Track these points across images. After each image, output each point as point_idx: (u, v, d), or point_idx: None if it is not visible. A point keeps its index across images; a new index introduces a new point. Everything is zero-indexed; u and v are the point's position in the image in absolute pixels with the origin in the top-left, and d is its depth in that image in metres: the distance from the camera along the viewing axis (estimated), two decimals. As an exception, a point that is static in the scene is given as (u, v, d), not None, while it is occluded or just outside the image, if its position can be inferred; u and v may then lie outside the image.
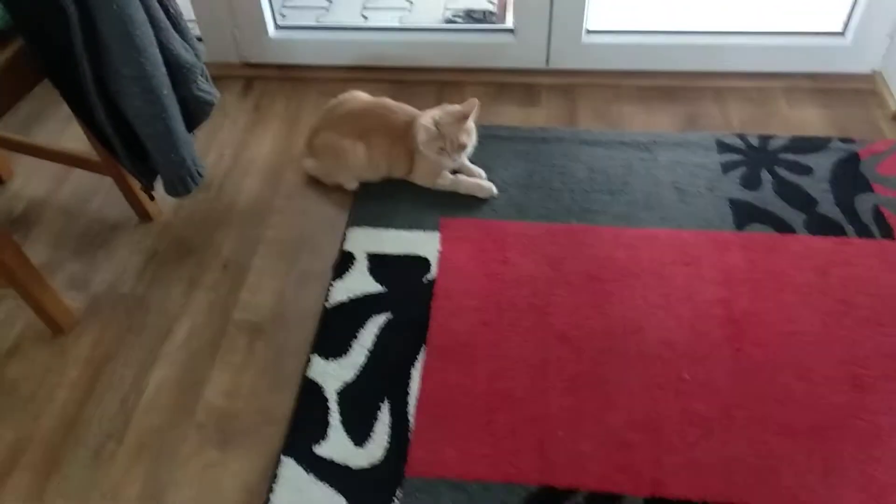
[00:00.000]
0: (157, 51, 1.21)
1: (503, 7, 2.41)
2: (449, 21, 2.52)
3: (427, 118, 1.55)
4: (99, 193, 1.71)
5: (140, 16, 1.16)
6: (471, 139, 1.58)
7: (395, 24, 2.53)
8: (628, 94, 1.90)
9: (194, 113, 1.36)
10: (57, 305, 1.40)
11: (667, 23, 1.98)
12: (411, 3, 2.65)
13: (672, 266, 1.46)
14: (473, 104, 1.55)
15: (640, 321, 1.36)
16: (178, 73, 1.28)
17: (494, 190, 1.62)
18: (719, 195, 1.60)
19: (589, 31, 1.87)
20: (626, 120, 1.82)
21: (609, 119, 1.83)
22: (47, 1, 1.10)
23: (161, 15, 1.23)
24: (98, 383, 1.33)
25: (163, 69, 1.23)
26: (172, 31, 1.26)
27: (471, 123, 1.56)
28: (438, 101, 1.90)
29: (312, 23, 2.58)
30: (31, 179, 1.76)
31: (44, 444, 1.25)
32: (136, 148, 1.33)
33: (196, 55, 1.32)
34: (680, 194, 1.60)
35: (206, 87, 1.36)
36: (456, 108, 1.57)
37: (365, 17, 2.59)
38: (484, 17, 2.49)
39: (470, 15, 2.50)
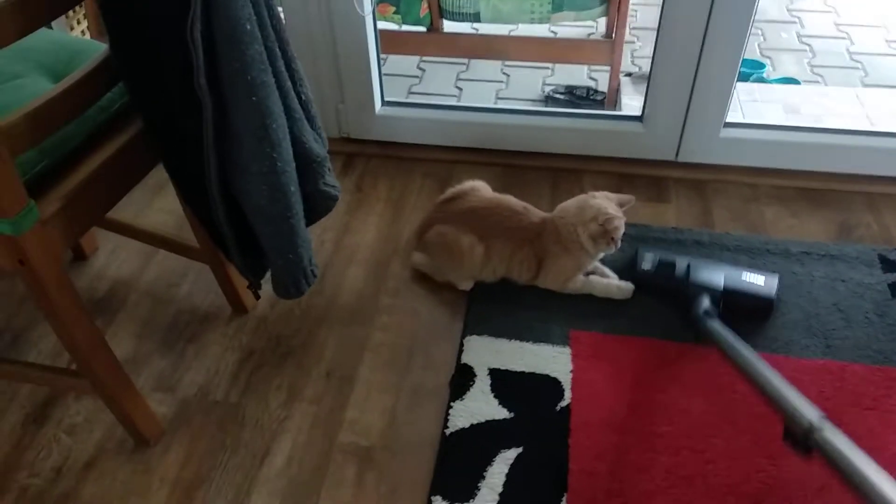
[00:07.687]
0: (290, 144, 1.07)
1: (615, 90, 2.25)
2: (549, 97, 2.39)
3: (606, 207, 1.39)
4: (189, 276, 1.56)
5: (278, 108, 1.02)
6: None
7: (491, 97, 2.41)
8: (767, 194, 1.71)
9: (316, 208, 1.21)
10: (143, 413, 1.24)
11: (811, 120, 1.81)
12: (507, 76, 2.53)
13: (851, 409, 1.25)
14: (632, 198, 1.44)
15: (824, 479, 1.15)
16: (307, 167, 1.13)
17: (632, 289, 1.45)
18: (892, 323, 1.39)
19: (727, 124, 1.71)
20: (768, 224, 1.64)
21: (749, 222, 1.64)
22: (181, 89, 0.97)
23: (296, 104, 1.09)
24: (188, 514, 1.16)
25: (293, 164, 1.09)
26: (305, 121, 1.12)
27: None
28: (553, 190, 1.75)
29: (404, 93, 2.47)
30: (117, 256, 1.62)
31: (124, 588, 1.07)
32: (249, 245, 1.19)
33: (324, 146, 1.18)
34: (845, 319, 1.40)
35: (331, 181, 1.21)
36: (611, 195, 1.44)
37: (459, 89, 2.48)
38: (587, 94, 2.36)
39: (572, 92, 2.37)
